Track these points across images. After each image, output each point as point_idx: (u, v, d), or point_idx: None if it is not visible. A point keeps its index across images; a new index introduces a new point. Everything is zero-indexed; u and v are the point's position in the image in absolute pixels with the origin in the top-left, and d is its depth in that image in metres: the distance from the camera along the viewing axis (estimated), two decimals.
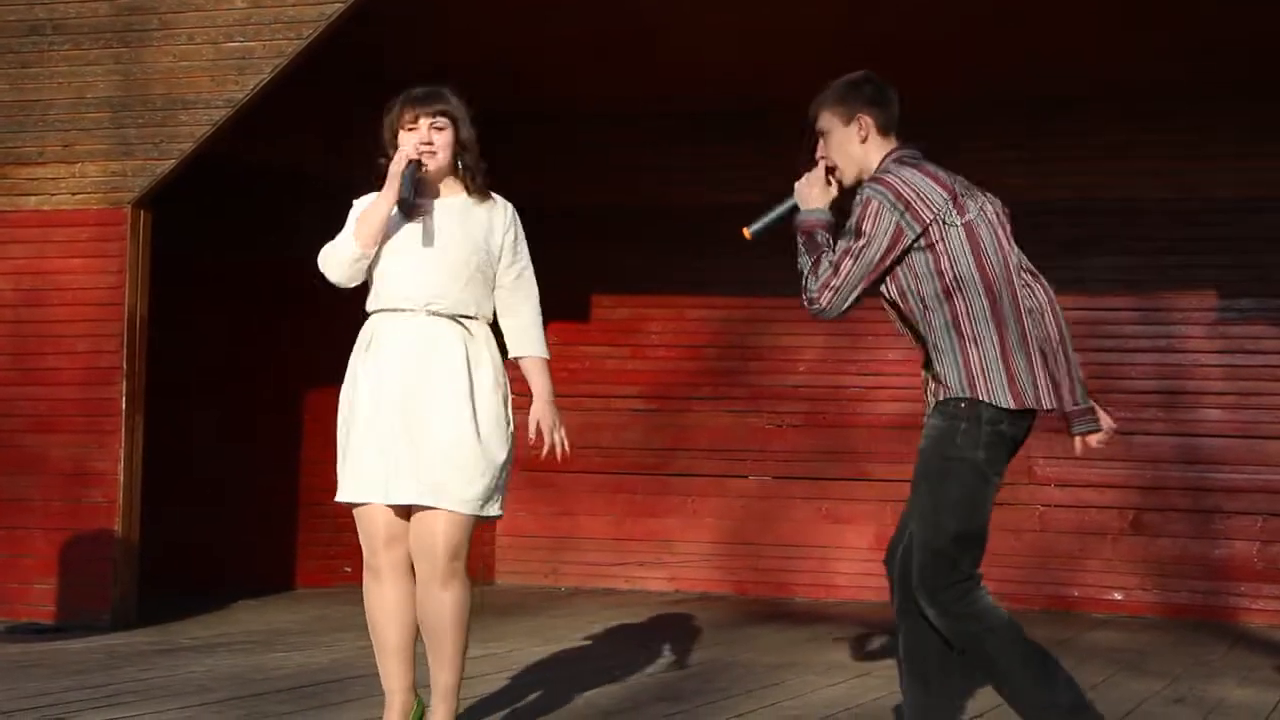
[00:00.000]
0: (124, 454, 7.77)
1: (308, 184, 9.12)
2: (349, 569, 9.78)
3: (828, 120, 4.23)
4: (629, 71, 9.37)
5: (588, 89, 9.78)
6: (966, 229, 4.10)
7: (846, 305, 4.09)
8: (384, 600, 4.52)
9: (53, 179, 8.00)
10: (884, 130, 4.22)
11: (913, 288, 4.10)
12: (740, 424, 10.25)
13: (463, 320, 4.49)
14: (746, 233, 4.31)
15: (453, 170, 4.53)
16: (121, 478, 7.76)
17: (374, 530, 4.48)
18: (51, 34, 8.03)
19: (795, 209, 4.25)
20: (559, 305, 10.13)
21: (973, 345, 4.07)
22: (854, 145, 4.21)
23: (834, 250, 4.09)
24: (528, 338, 4.62)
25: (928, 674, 4.18)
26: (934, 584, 4.05)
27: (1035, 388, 4.11)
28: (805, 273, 4.11)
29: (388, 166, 4.46)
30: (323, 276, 4.58)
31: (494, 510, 4.52)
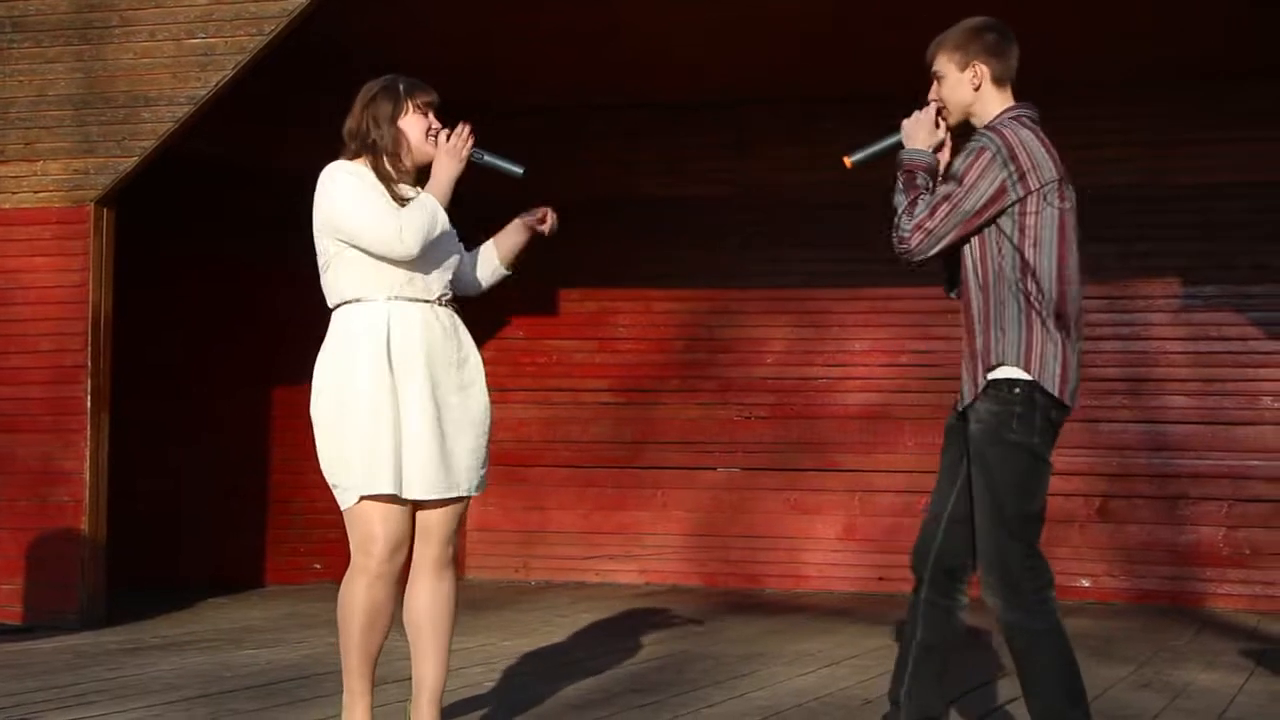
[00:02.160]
0: (90, 453, 7.73)
1: (274, 179, 9.10)
2: (319, 566, 9.77)
3: (943, 63, 4.21)
4: (597, 63, 9.36)
5: (555, 81, 9.76)
6: (1060, 215, 4.09)
7: (934, 251, 4.06)
8: (375, 607, 4.35)
9: (14, 177, 7.95)
10: (999, 81, 4.20)
11: (995, 254, 4.06)
12: (708, 416, 10.26)
13: (456, 307, 4.52)
14: (848, 161, 4.27)
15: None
16: (88, 477, 7.72)
17: (379, 532, 4.29)
18: (11, 31, 7.98)
19: (900, 145, 4.24)
20: (526, 299, 10.16)
21: (1040, 330, 4.04)
22: (966, 91, 4.18)
23: (933, 193, 4.08)
24: (485, 245, 4.67)
25: (937, 669, 4.19)
26: (1008, 572, 4.01)
27: (1076, 389, 4.12)
28: (900, 211, 4.08)
29: (374, 152, 4.38)
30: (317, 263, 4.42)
31: (483, 486, 4.52)
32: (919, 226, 4.05)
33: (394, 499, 4.32)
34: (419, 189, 4.43)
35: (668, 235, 10.28)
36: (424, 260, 4.37)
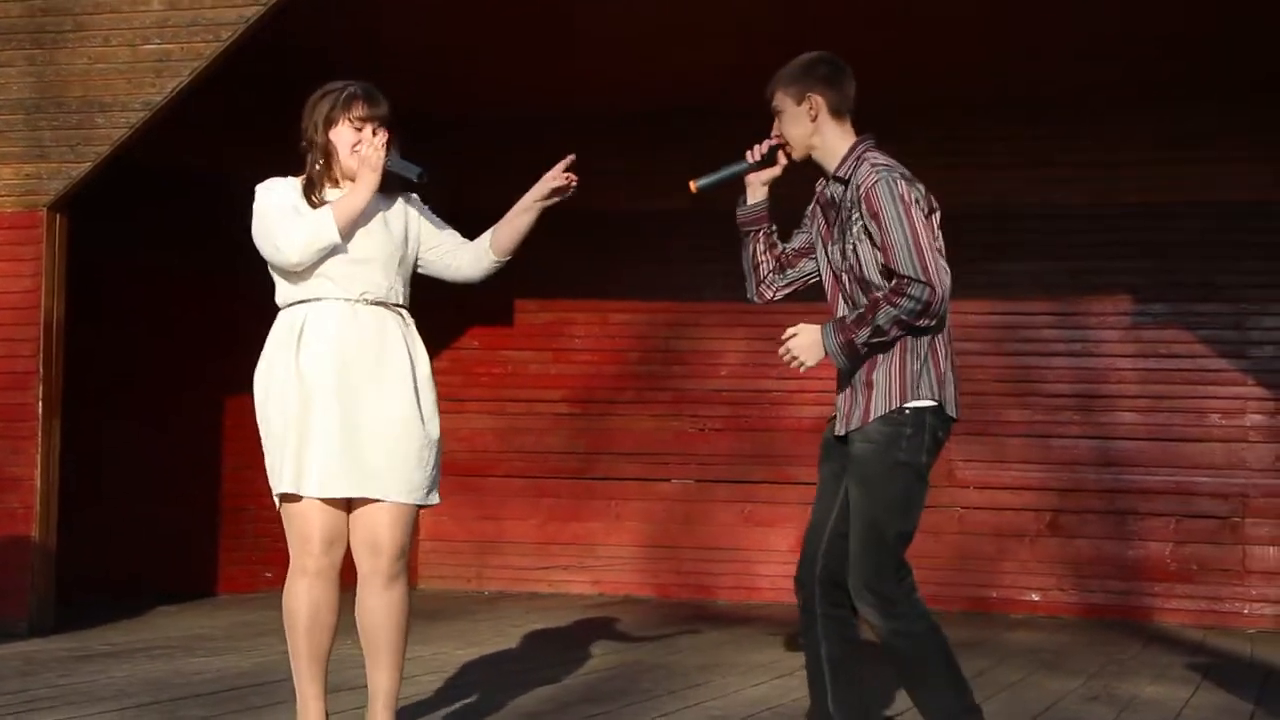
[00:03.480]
0: (41, 459, 7.69)
1: (227, 187, 9.07)
2: (270, 574, 9.72)
3: (781, 98, 4.26)
4: (551, 74, 9.38)
5: (509, 92, 9.78)
6: (939, 226, 4.19)
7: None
8: (314, 605, 4.41)
9: None
10: (836, 112, 4.25)
11: (873, 278, 4.14)
12: (663, 428, 10.29)
13: (398, 309, 4.50)
14: (693, 186, 4.33)
15: None
16: (39, 484, 7.67)
17: (311, 530, 4.38)
18: None
19: (747, 170, 4.31)
20: (482, 310, 10.16)
21: (919, 348, 4.13)
22: (804, 124, 4.24)
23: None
24: (485, 234, 4.67)
25: (854, 675, 4.26)
26: (881, 583, 4.10)
27: (957, 398, 4.21)
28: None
29: (311, 156, 4.43)
30: (247, 263, 4.51)
31: (434, 498, 4.51)
32: (930, 274, 4.03)
33: (327, 499, 4.35)
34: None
35: (624, 248, 10.31)
36: (340, 261, 4.39)
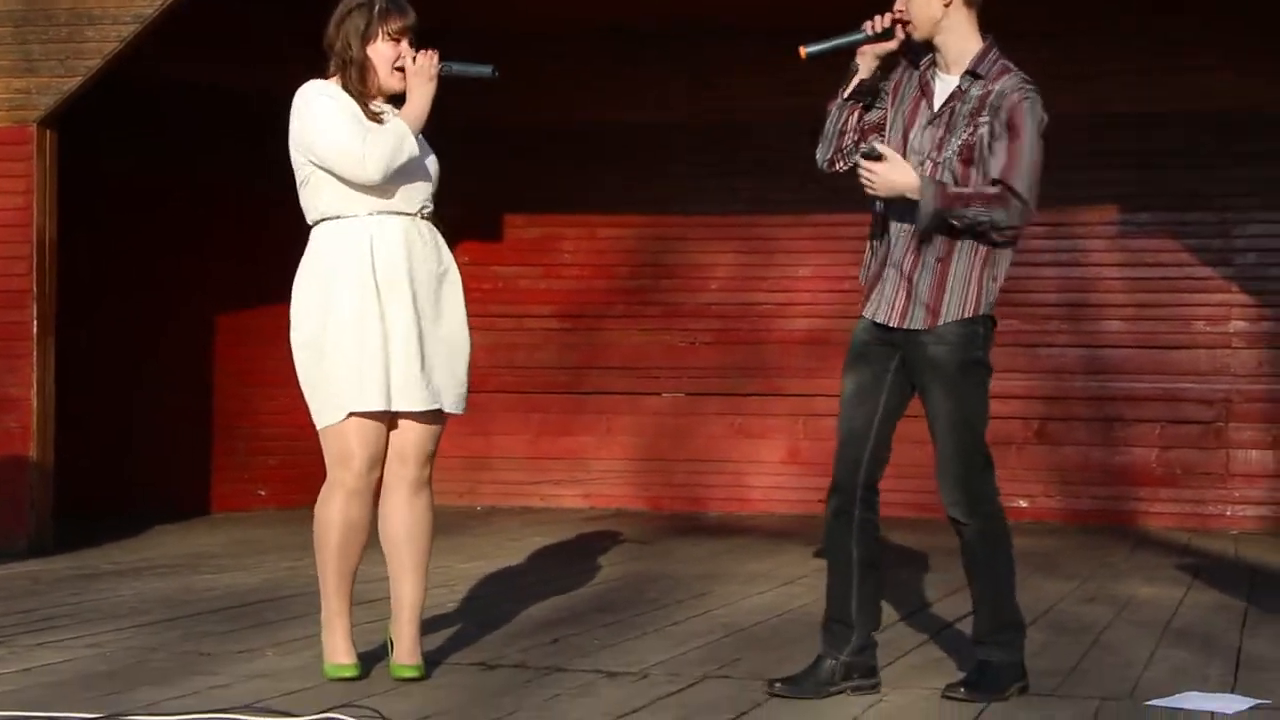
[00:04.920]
0: (36, 379, 7.67)
1: (225, 100, 9.01)
2: (263, 492, 9.76)
3: None
4: None
5: (499, 7, 9.69)
6: None
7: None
8: (350, 522, 4.40)
9: None
10: (972, 4, 4.24)
11: (980, 184, 4.18)
12: (653, 342, 10.33)
13: (436, 224, 4.54)
14: (803, 52, 4.28)
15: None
16: (35, 403, 7.66)
17: (355, 448, 4.35)
18: None
19: (862, 41, 4.26)
20: (471, 225, 10.14)
21: (998, 260, 4.23)
22: (936, 6, 4.20)
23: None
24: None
25: (878, 579, 4.37)
26: (976, 482, 4.23)
27: None
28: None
29: (344, 71, 4.39)
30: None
31: (463, 406, 4.56)
32: (1029, 207, 4.13)
33: (372, 415, 4.36)
34: (394, 109, 4.45)
35: (613, 161, 10.29)
36: (402, 174, 4.38)
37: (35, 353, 7.67)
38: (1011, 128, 4.13)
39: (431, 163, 4.52)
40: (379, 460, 4.44)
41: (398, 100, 4.47)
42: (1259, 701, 4.29)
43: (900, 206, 4.22)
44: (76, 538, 7.89)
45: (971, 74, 4.22)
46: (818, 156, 4.39)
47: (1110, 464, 9.69)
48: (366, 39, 4.40)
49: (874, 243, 4.35)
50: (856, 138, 4.35)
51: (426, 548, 4.53)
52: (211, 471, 9.71)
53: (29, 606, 5.90)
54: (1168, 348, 9.64)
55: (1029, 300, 9.79)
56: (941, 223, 4.15)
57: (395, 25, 4.40)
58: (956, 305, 4.19)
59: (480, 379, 10.63)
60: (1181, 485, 9.57)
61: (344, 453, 4.39)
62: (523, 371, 10.46)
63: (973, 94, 4.20)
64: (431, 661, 4.67)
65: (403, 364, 4.35)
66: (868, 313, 4.31)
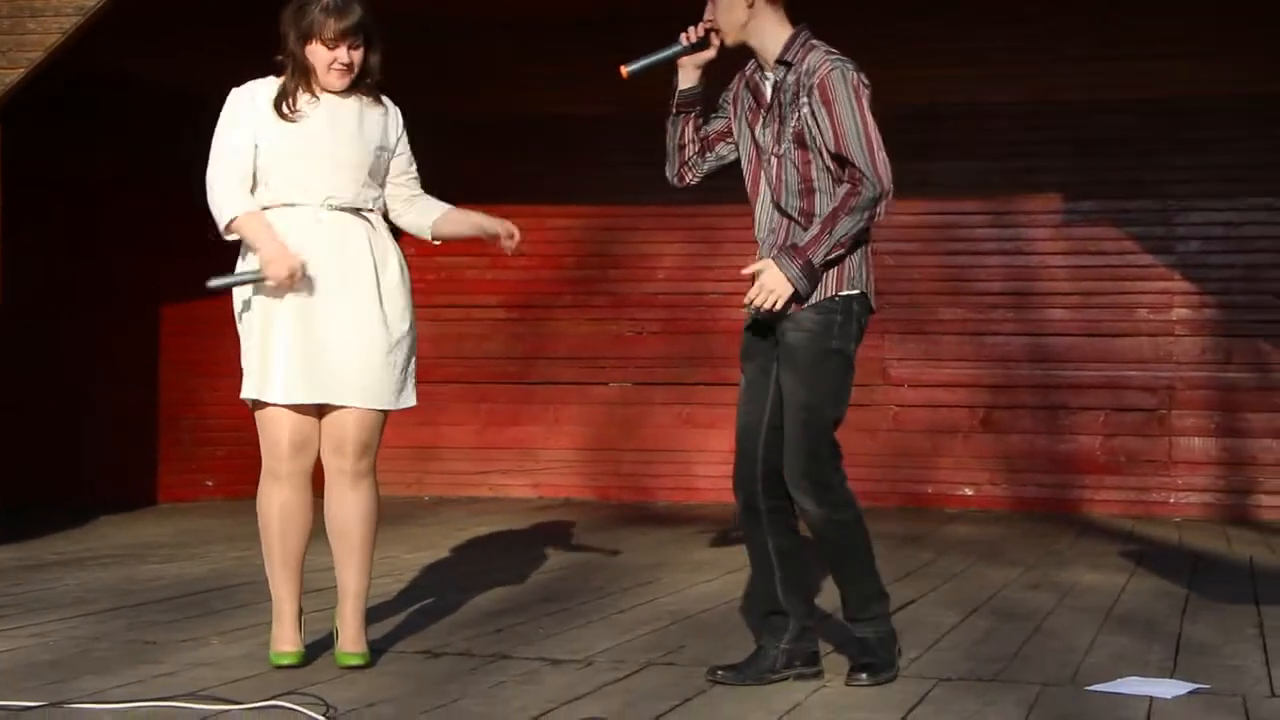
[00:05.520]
0: None
1: (172, 96, 8.96)
2: (210, 483, 9.72)
3: None
4: None
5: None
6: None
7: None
8: (286, 508, 4.47)
9: None
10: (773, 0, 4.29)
11: (827, 166, 4.22)
12: (601, 331, 10.35)
13: (364, 213, 4.51)
14: (624, 71, 4.32)
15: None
16: None
17: (280, 435, 4.45)
18: None
19: (680, 53, 4.31)
20: None
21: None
22: (739, 10, 4.26)
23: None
24: (436, 205, 4.66)
25: (801, 563, 4.41)
26: (820, 471, 4.24)
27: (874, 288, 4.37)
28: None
29: (288, 65, 4.42)
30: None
31: (409, 400, 4.57)
32: (877, 178, 4.13)
33: (292, 404, 4.41)
34: (341, 99, 4.47)
35: (560, 152, 10.29)
36: (309, 168, 4.41)
37: None
38: (825, 101, 4.17)
39: (350, 151, 4.47)
40: (304, 447, 4.47)
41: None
42: (1197, 686, 4.34)
43: (766, 207, 4.29)
44: (22, 529, 7.84)
45: (783, 63, 4.27)
46: (667, 174, 4.47)
47: (1055, 451, 9.78)
48: (304, 39, 4.43)
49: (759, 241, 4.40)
50: (698, 148, 4.42)
51: (369, 537, 4.54)
52: (158, 462, 9.67)
53: None
54: (1111, 335, 9.73)
55: (973, 289, 9.88)
56: (815, 273, 4.15)
57: (331, 31, 4.40)
58: (823, 282, 4.20)
59: (428, 369, 10.65)
60: (1125, 473, 9.68)
61: (270, 440, 4.47)
62: (470, 362, 10.46)
63: (789, 81, 4.25)
64: (377, 650, 4.68)
65: (284, 358, 4.39)
66: (745, 299, 4.31)
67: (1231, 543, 8.21)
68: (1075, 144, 9.77)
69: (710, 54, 4.36)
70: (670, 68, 4.41)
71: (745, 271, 4.24)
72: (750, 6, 4.26)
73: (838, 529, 4.27)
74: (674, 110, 4.42)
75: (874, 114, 4.21)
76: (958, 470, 9.85)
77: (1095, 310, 9.75)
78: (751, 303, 4.19)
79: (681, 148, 4.43)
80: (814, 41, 4.27)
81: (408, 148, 4.66)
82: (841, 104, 4.15)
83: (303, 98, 4.47)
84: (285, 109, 4.44)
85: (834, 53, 4.23)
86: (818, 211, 4.22)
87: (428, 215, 4.66)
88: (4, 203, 7.77)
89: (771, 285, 4.14)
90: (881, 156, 4.17)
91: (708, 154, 4.43)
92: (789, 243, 4.20)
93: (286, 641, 4.48)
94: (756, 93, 4.35)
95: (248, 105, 4.47)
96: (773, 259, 4.17)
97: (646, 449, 10.25)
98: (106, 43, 7.91)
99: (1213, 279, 9.63)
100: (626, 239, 10.30)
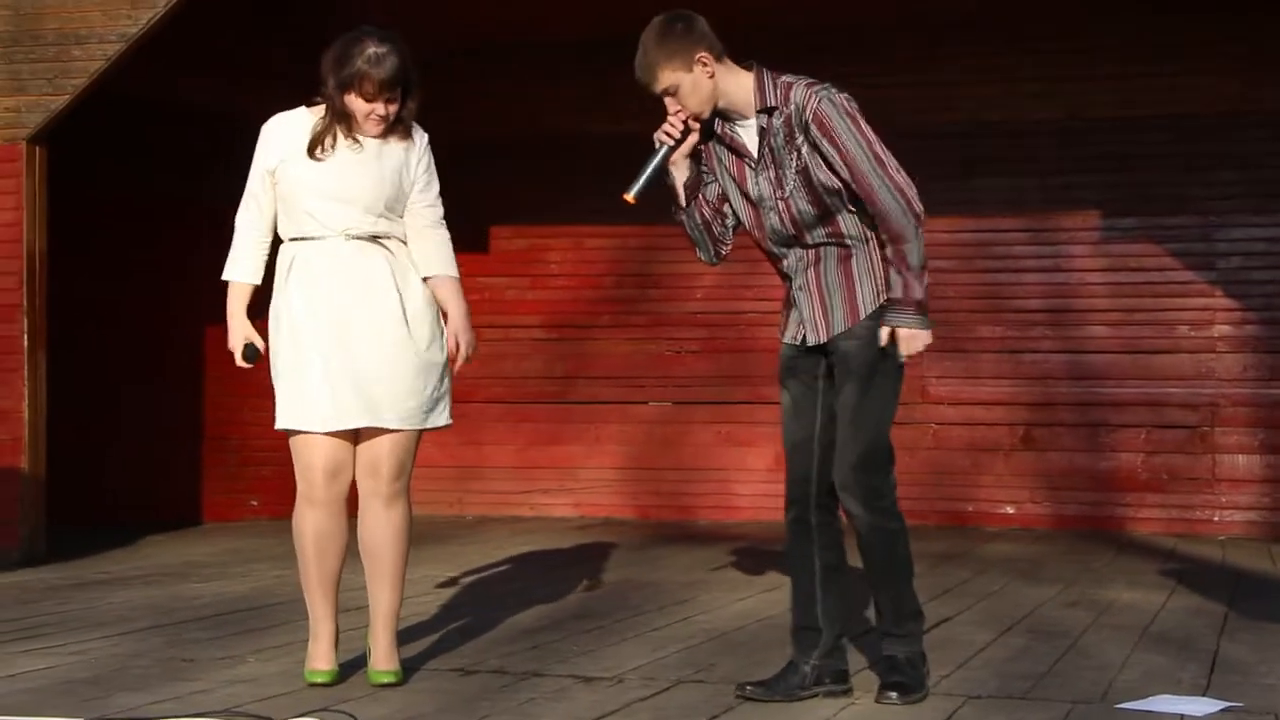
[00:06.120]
0: (28, 391, 7.74)
1: (216, 120, 9.07)
2: (255, 502, 9.82)
3: (669, 77, 4.25)
4: (527, 1, 9.37)
5: (486, 20, 9.77)
6: None
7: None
8: (321, 532, 4.52)
9: None
10: (720, 55, 4.30)
11: (840, 188, 4.25)
12: (640, 351, 10.39)
13: (382, 240, 4.54)
14: (629, 198, 4.32)
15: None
16: (26, 414, 7.73)
17: (315, 462, 4.50)
18: None
19: (668, 154, 4.30)
20: (458, 237, 9.93)
21: (880, 250, 4.29)
22: (705, 85, 4.25)
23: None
24: (438, 258, 4.61)
25: (843, 585, 4.45)
26: (873, 476, 4.28)
27: None
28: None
29: (325, 106, 4.49)
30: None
31: (441, 420, 4.62)
32: (907, 205, 4.19)
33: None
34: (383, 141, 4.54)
35: (599, 172, 10.31)
36: (325, 200, 4.47)
37: (26, 366, 7.75)
38: (825, 134, 4.19)
39: (370, 186, 4.49)
40: (339, 472, 4.53)
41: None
42: (1230, 704, 4.32)
43: (783, 239, 4.31)
44: (69, 549, 7.95)
45: (764, 111, 4.28)
46: (702, 259, 4.49)
47: (1096, 469, 9.74)
48: (344, 90, 4.47)
49: (784, 280, 4.41)
50: (717, 218, 4.40)
51: (401, 557, 4.59)
52: (203, 482, 9.77)
53: (16, 615, 5.95)
54: (1152, 353, 9.69)
55: (1012, 306, 9.87)
56: (924, 306, 4.25)
57: (370, 87, 4.44)
58: (871, 292, 4.27)
59: (469, 390, 10.82)
60: (1168, 490, 9.63)
61: (304, 466, 4.54)
62: (511, 382, 10.53)
63: (777, 125, 4.25)
64: (410, 667, 4.73)
65: (314, 386, 4.46)
66: (789, 337, 4.39)
67: (1276, 561, 8.15)
68: (1114, 160, 9.75)
69: (694, 139, 4.33)
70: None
71: (883, 344, 4.26)
72: (712, 77, 4.25)
73: (884, 537, 4.31)
74: (684, 204, 4.40)
75: (872, 127, 4.24)
76: (998, 488, 9.83)
77: (1135, 327, 9.72)
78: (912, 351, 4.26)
79: (707, 227, 4.42)
80: (784, 78, 4.28)
81: (429, 175, 4.63)
82: (841, 133, 4.19)
83: (340, 142, 4.51)
84: (318, 152, 4.49)
85: (810, 81, 4.27)
86: (844, 230, 4.27)
87: (423, 266, 4.60)
88: (50, 225, 7.92)
89: (909, 340, 4.23)
90: (898, 178, 4.20)
91: (726, 219, 4.43)
92: (885, 296, 4.24)
93: (321, 660, 4.54)
94: (735, 146, 4.34)
95: (272, 140, 4.54)
96: (886, 321, 4.23)
97: (686, 468, 10.28)
98: (154, 67, 8.05)
99: (1254, 295, 9.58)
100: (665, 258, 10.33)
